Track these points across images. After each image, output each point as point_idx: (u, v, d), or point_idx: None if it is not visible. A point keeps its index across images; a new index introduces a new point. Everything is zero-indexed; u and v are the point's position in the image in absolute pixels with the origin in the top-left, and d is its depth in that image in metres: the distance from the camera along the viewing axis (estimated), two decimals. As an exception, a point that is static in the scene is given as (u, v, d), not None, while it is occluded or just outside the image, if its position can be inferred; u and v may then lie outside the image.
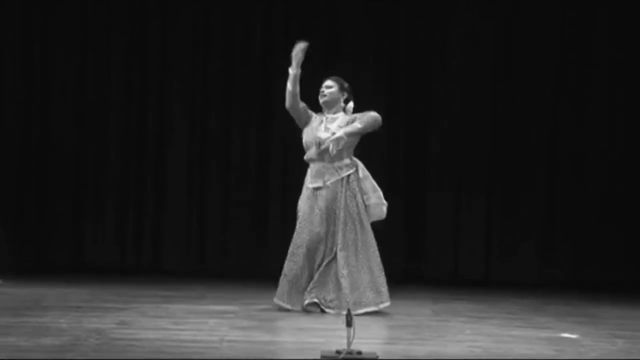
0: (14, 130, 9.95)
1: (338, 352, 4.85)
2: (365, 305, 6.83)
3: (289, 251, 6.99)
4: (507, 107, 10.02)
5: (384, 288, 6.93)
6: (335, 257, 6.88)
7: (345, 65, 9.43)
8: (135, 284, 8.72)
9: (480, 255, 9.94)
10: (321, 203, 6.95)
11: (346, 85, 7.18)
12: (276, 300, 6.95)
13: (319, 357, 4.86)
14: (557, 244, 9.97)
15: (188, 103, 10.10)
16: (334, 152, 6.95)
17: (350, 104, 7.13)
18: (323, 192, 6.98)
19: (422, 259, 9.95)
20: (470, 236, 9.96)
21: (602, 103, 10.00)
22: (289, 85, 7.03)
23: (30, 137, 9.97)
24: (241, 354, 5.10)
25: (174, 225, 10.00)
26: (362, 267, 6.89)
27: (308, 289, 6.88)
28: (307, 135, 7.10)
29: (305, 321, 6.52)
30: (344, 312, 6.69)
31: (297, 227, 7.01)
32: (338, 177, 6.98)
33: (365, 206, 7.00)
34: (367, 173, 7.08)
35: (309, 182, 7.05)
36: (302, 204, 7.04)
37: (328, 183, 6.97)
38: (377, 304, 6.89)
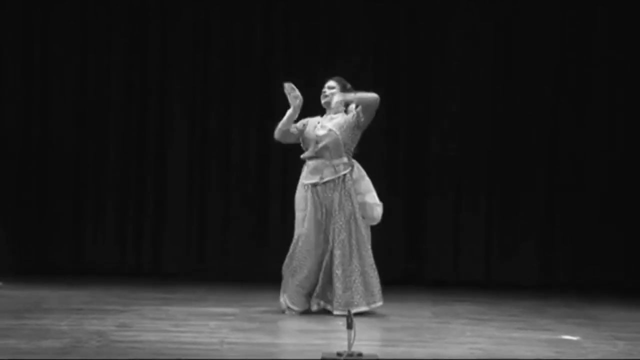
0: (14, 130, 9.94)
1: (339, 354, 4.85)
2: (357, 305, 6.83)
3: (290, 250, 7.02)
4: (507, 107, 10.01)
5: (377, 288, 6.95)
6: (331, 256, 6.90)
7: (346, 65, 9.41)
8: (135, 285, 8.72)
9: (480, 255, 9.93)
10: (316, 199, 6.97)
11: (348, 86, 7.20)
12: (282, 300, 6.97)
13: (319, 359, 4.86)
14: (557, 244, 9.95)
15: (188, 103, 10.09)
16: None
17: (352, 105, 7.14)
18: (318, 189, 6.99)
19: (422, 259, 9.94)
20: (470, 236, 9.95)
21: (602, 103, 9.99)
22: (283, 125, 7.11)
23: (30, 137, 9.95)
24: (242, 356, 5.11)
25: (174, 225, 9.99)
26: (355, 267, 6.91)
27: (314, 294, 6.93)
28: (306, 135, 7.14)
29: (306, 323, 6.53)
30: (336, 312, 6.75)
31: (295, 226, 7.04)
32: (335, 175, 6.98)
33: (360, 206, 7.01)
34: (363, 173, 7.10)
35: (305, 178, 7.07)
36: (298, 201, 7.07)
37: (325, 179, 6.98)
38: (368, 304, 6.91)
